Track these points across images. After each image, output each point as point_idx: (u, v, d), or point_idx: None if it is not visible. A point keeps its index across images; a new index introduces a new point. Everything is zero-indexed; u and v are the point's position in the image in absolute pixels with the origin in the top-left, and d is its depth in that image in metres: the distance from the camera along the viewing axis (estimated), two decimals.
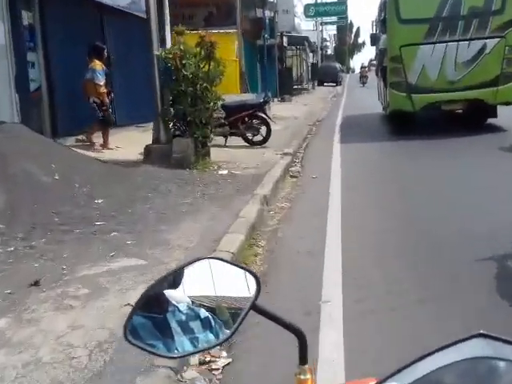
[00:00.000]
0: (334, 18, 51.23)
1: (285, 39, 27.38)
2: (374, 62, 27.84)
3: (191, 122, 7.98)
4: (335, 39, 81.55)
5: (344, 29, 75.49)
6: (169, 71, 7.99)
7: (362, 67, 45.11)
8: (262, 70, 27.71)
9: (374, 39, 15.86)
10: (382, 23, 12.59)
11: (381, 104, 14.26)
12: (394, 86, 10.84)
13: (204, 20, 22.35)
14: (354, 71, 76.09)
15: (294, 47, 34.34)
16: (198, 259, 0.99)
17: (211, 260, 1.00)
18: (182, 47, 7.82)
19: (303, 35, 32.66)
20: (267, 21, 15.33)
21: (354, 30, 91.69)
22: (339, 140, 11.68)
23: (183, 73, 7.76)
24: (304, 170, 8.53)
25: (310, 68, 47.35)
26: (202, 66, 8.05)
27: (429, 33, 10.44)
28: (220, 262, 1.00)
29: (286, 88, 31.35)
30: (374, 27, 16.97)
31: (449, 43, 10.42)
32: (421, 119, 11.84)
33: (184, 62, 7.79)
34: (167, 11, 11.75)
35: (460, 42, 10.37)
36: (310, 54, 43.64)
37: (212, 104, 8.08)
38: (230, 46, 16.59)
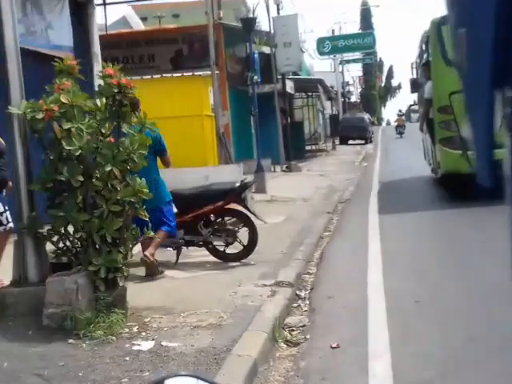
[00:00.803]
0: (359, 55, 50.16)
1: (289, 83, 25.40)
2: (415, 108, 26.15)
3: (84, 242, 5.33)
4: (361, 83, 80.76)
5: (372, 68, 74.94)
6: (49, 143, 5.47)
7: (398, 115, 46.98)
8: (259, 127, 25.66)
9: (415, 85, 16.12)
10: (425, 66, 12.69)
11: (428, 165, 14.60)
12: (446, 143, 11.06)
13: (171, 61, 20.42)
14: (389, 123, 74.50)
15: (303, 94, 32.45)
16: (176, 375, 1.41)
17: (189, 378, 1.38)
18: (66, 98, 5.26)
19: (315, 77, 30.78)
20: (256, 56, 13.03)
21: (386, 69, 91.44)
22: (377, 237, 8.97)
23: (65, 148, 5.17)
24: (314, 326, 5.67)
25: (327, 121, 45.57)
26: (105, 132, 5.46)
27: None
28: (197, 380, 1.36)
29: (295, 150, 29.49)
30: (414, 70, 17.19)
31: None
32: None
33: (68, 126, 5.22)
34: (97, 49, 9.82)
35: None
36: (328, 103, 41.82)
37: (127, 205, 5.41)
38: (202, 96, 14.26)
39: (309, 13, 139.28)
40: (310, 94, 31.86)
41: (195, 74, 14.40)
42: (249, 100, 23.67)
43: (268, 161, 20.41)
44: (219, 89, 19.80)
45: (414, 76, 17.16)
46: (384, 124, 76.83)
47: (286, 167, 20.32)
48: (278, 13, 20.35)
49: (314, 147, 31.58)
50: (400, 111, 49.31)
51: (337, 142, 40.12)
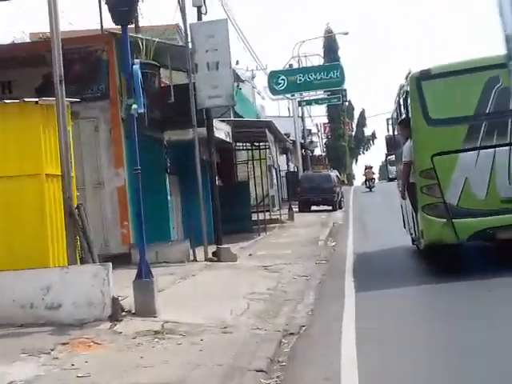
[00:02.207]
0: (323, 94, 46.52)
1: (223, 128, 21.30)
2: (392, 158, 24.97)
3: None
4: (327, 131, 77.66)
5: (340, 114, 71.72)
6: None
7: (366, 168, 50.78)
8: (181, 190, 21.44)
9: (392, 144, 17.31)
10: (403, 125, 13.16)
11: (409, 234, 15.33)
12: (428, 210, 11.70)
13: (37, 91, 16.12)
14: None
15: (247, 145, 28.38)
16: None
17: None
18: None
19: (262, 120, 26.71)
20: (136, 70, 8.50)
21: (356, 115, 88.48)
22: None
23: None
24: None
25: (283, 180, 41.57)
26: None
27: (469, 136, 11.52)
28: None
29: (237, 221, 25.11)
30: (390, 127, 17.98)
31: (498, 148, 11.41)
32: (469, 251, 12.86)
33: None
34: None
35: None
36: (283, 157, 37.95)
37: None
38: (41, 140, 9.75)
39: (261, 45, 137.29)
40: (257, 144, 27.77)
41: (28, 100, 9.95)
42: (163, 151, 19.55)
43: (184, 244, 16.00)
44: (110, 133, 15.66)
45: (390, 133, 17.89)
46: (356, 183, 73.38)
47: (213, 254, 15.92)
48: (199, 18, 16.21)
49: (264, 216, 27.37)
50: (367, 165, 52.40)
51: (296, 208, 36.11)
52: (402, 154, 13.48)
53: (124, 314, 9.00)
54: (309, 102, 49.32)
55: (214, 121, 20.38)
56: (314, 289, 12.19)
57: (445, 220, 11.44)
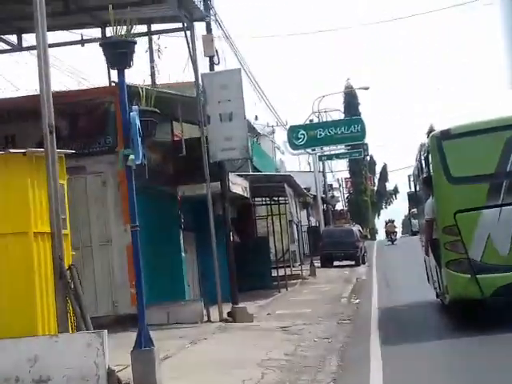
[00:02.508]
0: (343, 149, 45.77)
1: (240, 182, 20.44)
2: (415, 211, 23.99)
3: None
4: (348, 186, 76.66)
5: (362, 168, 70.85)
6: None
7: (387, 222, 53.39)
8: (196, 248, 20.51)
9: (414, 200, 18.08)
10: (425, 183, 13.59)
11: (434, 289, 15.33)
12: (452, 266, 11.86)
13: (39, 144, 15.39)
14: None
15: (266, 199, 27.46)
16: None
17: None
18: None
19: (281, 174, 25.81)
20: (134, 117, 7.72)
21: (378, 169, 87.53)
22: None
23: None
24: None
25: (305, 236, 40.52)
26: None
27: (491, 193, 11.74)
28: None
29: (257, 278, 24.09)
30: (412, 183, 18.50)
31: None
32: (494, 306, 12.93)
33: None
34: None
35: None
36: (303, 212, 36.95)
37: None
38: (30, 195, 8.86)
39: (281, 102, 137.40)
40: (276, 198, 26.84)
41: (13, 151, 9.09)
42: (176, 207, 18.66)
43: (198, 304, 14.97)
44: (118, 188, 14.79)
45: (412, 189, 18.41)
46: (379, 237, 72.03)
47: (229, 314, 14.85)
48: (212, 68, 15.40)
49: (285, 272, 26.31)
50: (388, 220, 55.26)
51: (317, 263, 34.97)
52: (424, 209, 13.86)
53: None
54: (329, 157, 48.50)
55: (230, 175, 19.54)
56: (337, 353, 11.07)
57: (469, 276, 11.59)
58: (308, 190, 36.57)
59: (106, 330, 7.97)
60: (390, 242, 49.21)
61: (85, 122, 15.18)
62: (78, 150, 15.16)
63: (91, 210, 15.08)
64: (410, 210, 34.34)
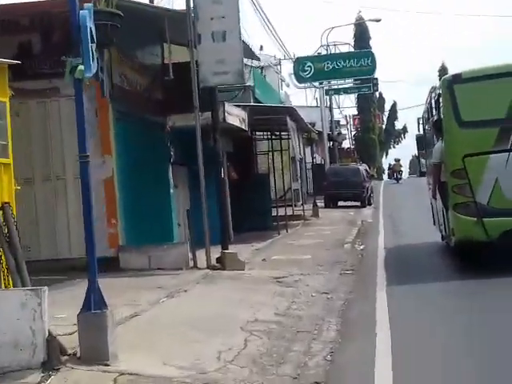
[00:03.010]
0: (351, 83, 43.65)
1: (237, 113, 18.69)
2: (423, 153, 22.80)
3: None
4: (356, 124, 74.58)
5: (370, 105, 68.59)
6: None
7: (396, 160, 54.89)
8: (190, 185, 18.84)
9: (422, 143, 18.15)
10: (435, 126, 13.82)
11: (439, 231, 15.69)
12: (459, 209, 12.06)
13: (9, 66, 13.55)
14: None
15: (268, 134, 25.65)
16: None
17: None
18: None
19: (282, 106, 23.90)
20: (85, 16, 6.07)
21: (387, 107, 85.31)
22: None
23: None
24: None
25: (309, 174, 38.77)
26: None
27: (500, 137, 11.82)
28: None
29: (254, 218, 23.68)
30: (421, 126, 18.51)
31: None
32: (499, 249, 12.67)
33: None
34: None
35: None
36: (308, 149, 35.16)
37: None
38: None
39: (288, 34, 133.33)
40: (278, 133, 24.99)
41: None
42: (165, 138, 16.90)
43: (182, 248, 13.32)
44: (96, 114, 13.15)
45: (421, 132, 18.49)
46: (386, 177, 70.32)
47: (217, 260, 13.20)
48: None
49: (285, 212, 24.66)
50: (396, 159, 56.07)
51: (321, 203, 33.36)
52: (432, 153, 14.07)
53: (66, 358, 6.35)
54: (337, 91, 46.33)
55: (225, 105, 17.75)
56: (337, 314, 9.44)
57: (475, 219, 11.79)
58: (313, 125, 34.64)
59: (46, 288, 6.30)
60: (395, 181, 50.75)
61: (59, 36, 13.31)
62: (51, 68, 13.43)
63: (65, 139, 13.34)
64: (418, 152, 33.13)
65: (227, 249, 13.48)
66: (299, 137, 24.96)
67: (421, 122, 18.60)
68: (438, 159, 13.24)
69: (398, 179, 50.69)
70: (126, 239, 13.51)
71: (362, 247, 18.44)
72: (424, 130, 18.05)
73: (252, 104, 21.63)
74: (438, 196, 14.02)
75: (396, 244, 18.77)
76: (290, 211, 29.02)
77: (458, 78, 12.40)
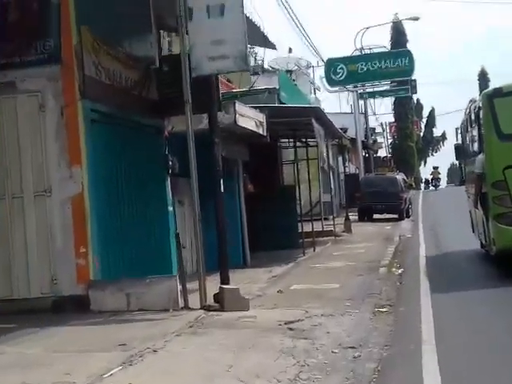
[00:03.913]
0: (387, 85, 40.49)
1: (252, 116, 15.93)
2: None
3: None
4: (392, 131, 71.27)
5: (407, 111, 65.22)
6: None
7: (434, 167, 57.16)
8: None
9: (461, 152, 18.26)
10: (476, 138, 14.35)
11: (479, 240, 16.00)
12: (500, 219, 12.41)
13: None
14: (429, 184, 64.30)
15: (293, 142, 22.72)
16: None
17: None
18: None
19: (306, 106, 20.89)
20: None
21: (425, 114, 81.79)
22: None
23: None
24: None
25: (341, 184, 35.74)
26: None
27: None
28: None
29: (278, 236, 21.14)
30: (460, 136, 18.88)
31: None
32: None
33: None
34: None
35: None
36: (339, 158, 32.20)
37: None
38: None
39: (321, 38, 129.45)
40: (304, 139, 22.01)
41: None
42: (163, 144, 14.05)
43: (170, 282, 10.38)
44: (62, 113, 10.41)
45: (460, 141, 18.65)
46: (424, 187, 66.85)
47: (215, 298, 10.22)
48: None
49: (312, 228, 21.70)
50: (435, 167, 58.22)
51: (354, 216, 30.40)
52: (473, 163, 14.23)
53: None
54: (372, 95, 43.15)
55: (236, 104, 14.92)
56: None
57: None
58: (345, 130, 31.67)
59: None
60: (433, 188, 53.24)
61: (15, 18, 10.58)
62: (7, 57, 10.71)
63: (23, 146, 10.57)
64: (459, 162, 31.31)
65: (228, 282, 10.54)
66: (328, 143, 22.01)
67: (459, 131, 18.84)
68: (479, 170, 13.42)
69: (436, 186, 52.28)
70: (101, 272, 10.64)
71: (400, 271, 15.44)
72: (462, 139, 18.11)
73: (271, 105, 18.72)
74: (479, 206, 13.96)
75: (441, 264, 16.03)
76: (319, 226, 26.17)
77: (498, 92, 12.84)
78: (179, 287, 10.21)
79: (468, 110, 15.76)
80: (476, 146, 14.49)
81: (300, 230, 21.37)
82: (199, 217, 10.54)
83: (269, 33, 15.49)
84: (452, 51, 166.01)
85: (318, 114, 18.19)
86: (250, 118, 15.88)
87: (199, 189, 12.10)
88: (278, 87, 25.35)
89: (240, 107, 15.14)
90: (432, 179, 57.22)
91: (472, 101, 15.28)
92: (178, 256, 10.63)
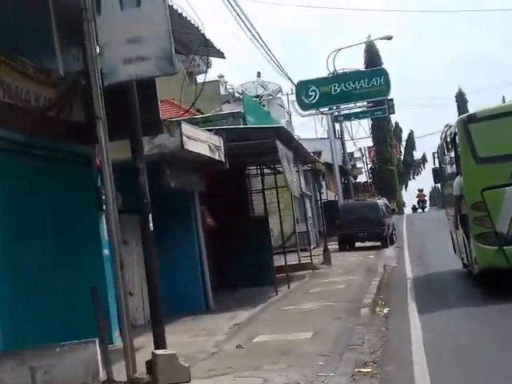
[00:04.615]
0: (362, 106, 38.34)
1: (206, 139, 13.77)
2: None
3: None
4: (371, 156, 69.28)
5: (385, 134, 63.26)
6: None
7: (419, 190, 57.49)
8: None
9: (439, 175, 18.51)
10: (452, 162, 15.06)
11: (461, 259, 16.40)
12: (481, 239, 12.87)
13: None
14: (415, 208, 62.36)
15: (259, 168, 20.45)
16: None
17: None
18: None
19: (268, 126, 18.56)
20: None
21: (405, 136, 79.91)
22: None
23: None
24: None
25: (319, 212, 33.48)
26: None
27: None
28: None
29: (250, 272, 19.03)
30: (437, 160, 19.21)
31: None
32: None
33: None
34: None
35: None
36: (316, 185, 29.94)
37: None
38: None
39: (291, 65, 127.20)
40: (272, 165, 19.68)
41: None
42: (93, 176, 11.71)
43: (89, 349, 7.95)
44: None
45: (438, 166, 19.01)
46: (408, 210, 64.69)
47: (147, 367, 7.85)
48: None
49: (285, 262, 19.31)
50: (420, 189, 57.94)
51: (334, 245, 28.17)
52: (452, 186, 14.57)
53: None
54: (347, 117, 40.85)
55: (182, 125, 12.65)
56: None
57: (496, 248, 12.58)
58: (318, 154, 29.49)
59: None
60: (421, 210, 53.83)
61: None
62: None
63: None
64: (439, 185, 30.04)
65: (164, 345, 8.16)
66: (299, 168, 19.75)
67: (436, 155, 19.20)
68: (458, 192, 13.84)
69: (423, 208, 53.07)
70: (3, 342, 8.25)
71: (385, 311, 13.14)
72: (440, 163, 18.50)
73: (228, 127, 16.46)
74: (459, 227, 14.42)
75: (433, 297, 14.11)
76: (295, 259, 23.89)
77: (472, 118, 13.28)
78: (100, 356, 7.82)
79: (444, 135, 16.32)
80: (453, 169, 14.89)
81: (279, 264, 19.15)
82: (120, 261, 8.11)
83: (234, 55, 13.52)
84: (429, 72, 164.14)
85: (282, 134, 15.89)
86: (201, 142, 13.61)
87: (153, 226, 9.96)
88: (243, 111, 23.22)
89: (188, 129, 12.88)
90: (418, 201, 57.81)
91: (447, 126, 15.79)
92: (96, 314, 8.20)
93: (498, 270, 12.77)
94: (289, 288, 18.14)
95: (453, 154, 14.79)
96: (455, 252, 17.08)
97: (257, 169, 21.66)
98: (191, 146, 12.91)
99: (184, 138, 12.51)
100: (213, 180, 19.02)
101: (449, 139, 15.16)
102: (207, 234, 17.70)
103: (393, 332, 10.92)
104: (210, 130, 14.78)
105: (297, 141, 17.73)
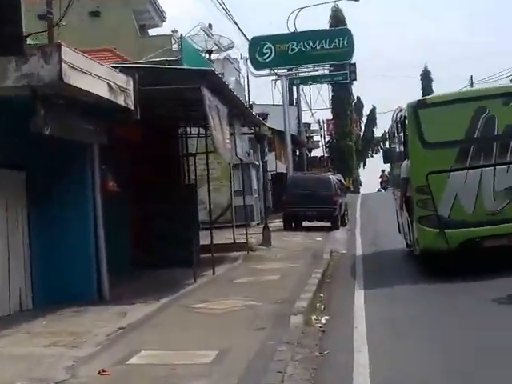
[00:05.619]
0: (322, 69, 35.04)
1: (105, 76, 10.34)
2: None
3: None
4: (330, 129, 66.26)
5: (346, 107, 60.18)
6: None
7: (382, 171, 55.09)
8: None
9: (389, 156, 19.17)
10: (402, 144, 15.67)
11: (403, 239, 17.26)
12: (423, 221, 13.52)
13: None
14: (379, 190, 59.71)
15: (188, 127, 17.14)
16: None
17: None
18: None
19: (193, 68, 14.98)
20: None
21: (366, 112, 76.99)
22: None
23: None
24: None
25: (267, 184, 30.35)
26: None
27: (460, 157, 13.34)
28: None
29: (172, 252, 16.11)
30: (388, 141, 20.54)
31: (484, 168, 13.27)
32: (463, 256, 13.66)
33: None
34: None
35: (497, 167, 13.24)
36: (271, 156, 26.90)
37: None
38: None
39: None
40: (205, 124, 16.28)
41: None
42: None
43: None
44: None
45: (388, 146, 20.23)
46: (364, 190, 62.02)
47: None
48: None
49: (211, 241, 16.03)
50: (383, 170, 55.36)
51: (277, 223, 25.08)
52: (400, 168, 15.34)
53: None
54: (305, 80, 37.21)
55: (63, 49, 9.21)
56: None
57: (437, 230, 13.20)
58: (264, 116, 26.19)
59: None
60: (382, 190, 53.34)
61: None
62: None
63: None
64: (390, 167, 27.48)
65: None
66: (236, 129, 16.42)
67: (387, 136, 20.08)
68: (405, 175, 14.37)
69: (385, 188, 52.40)
70: None
71: (324, 321, 9.98)
72: (390, 144, 19.26)
73: (139, 64, 13.00)
74: (404, 208, 15.16)
75: (388, 297, 11.97)
76: (230, 237, 20.73)
77: (422, 104, 13.83)
78: None
79: (395, 118, 16.77)
80: (402, 151, 15.26)
81: (207, 242, 16.09)
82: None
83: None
84: (399, 46, 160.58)
85: (212, 81, 12.49)
86: (96, 77, 10.18)
87: (33, 185, 6.56)
88: (180, 57, 19.84)
89: (73, 55, 9.44)
90: (381, 182, 56.97)
91: (398, 108, 16.08)
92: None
93: (438, 251, 13.27)
94: (214, 274, 14.98)
95: (402, 137, 15.20)
96: (399, 232, 17.74)
97: (185, 127, 18.28)
98: (76, 81, 9.48)
99: (64, 66, 9.11)
100: (140, 138, 15.87)
101: (399, 123, 15.68)
102: (131, 203, 15.77)
103: (329, 360, 7.70)
104: (115, 67, 11.38)
105: (232, 92, 14.31)
